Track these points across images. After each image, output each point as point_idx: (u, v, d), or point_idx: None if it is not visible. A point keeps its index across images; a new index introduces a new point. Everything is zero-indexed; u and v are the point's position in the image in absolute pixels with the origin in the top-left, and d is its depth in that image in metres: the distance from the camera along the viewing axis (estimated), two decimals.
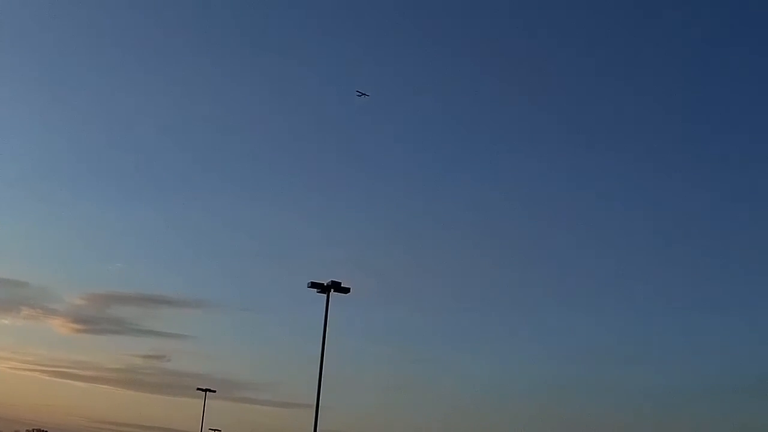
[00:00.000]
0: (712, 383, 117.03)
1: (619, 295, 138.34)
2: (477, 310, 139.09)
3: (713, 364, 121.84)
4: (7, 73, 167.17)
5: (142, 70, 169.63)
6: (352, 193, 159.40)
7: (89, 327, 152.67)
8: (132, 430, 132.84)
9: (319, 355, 46.59)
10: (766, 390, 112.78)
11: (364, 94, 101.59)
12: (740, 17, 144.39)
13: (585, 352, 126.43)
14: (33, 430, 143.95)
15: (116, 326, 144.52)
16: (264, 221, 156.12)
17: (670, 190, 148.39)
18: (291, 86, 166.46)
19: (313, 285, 47.14)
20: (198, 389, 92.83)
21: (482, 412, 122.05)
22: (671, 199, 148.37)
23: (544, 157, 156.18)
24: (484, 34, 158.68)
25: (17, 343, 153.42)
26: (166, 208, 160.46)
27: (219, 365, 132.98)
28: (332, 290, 46.61)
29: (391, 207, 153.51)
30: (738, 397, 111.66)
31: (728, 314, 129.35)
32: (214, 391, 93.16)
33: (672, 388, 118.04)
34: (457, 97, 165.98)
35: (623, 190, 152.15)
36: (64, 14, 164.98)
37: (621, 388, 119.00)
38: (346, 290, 46.75)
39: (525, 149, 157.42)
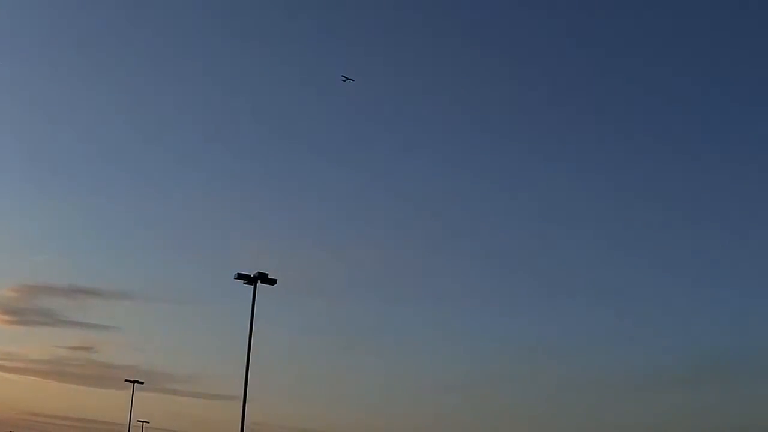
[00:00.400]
0: (628, 375, 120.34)
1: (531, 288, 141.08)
2: (404, 303, 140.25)
3: (632, 355, 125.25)
4: None
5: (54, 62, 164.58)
6: (278, 184, 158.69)
7: (17, 318, 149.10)
8: (60, 422, 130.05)
9: (246, 347, 46.43)
10: (687, 380, 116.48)
11: (349, 79, 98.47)
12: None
13: (505, 347, 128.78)
14: None
15: (45, 318, 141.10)
16: (192, 213, 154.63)
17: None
18: (221, 75, 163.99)
19: (240, 276, 46.75)
20: (126, 381, 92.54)
21: (406, 405, 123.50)
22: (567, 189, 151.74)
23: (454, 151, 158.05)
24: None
25: None
26: (94, 200, 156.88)
27: (147, 357, 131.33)
28: (259, 281, 46.31)
29: (316, 198, 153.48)
30: (656, 387, 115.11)
31: (638, 306, 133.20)
32: (142, 383, 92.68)
33: (590, 380, 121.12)
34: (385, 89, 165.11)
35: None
36: None
37: (539, 381, 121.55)
38: (273, 282, 46.51)
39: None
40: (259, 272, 46.25)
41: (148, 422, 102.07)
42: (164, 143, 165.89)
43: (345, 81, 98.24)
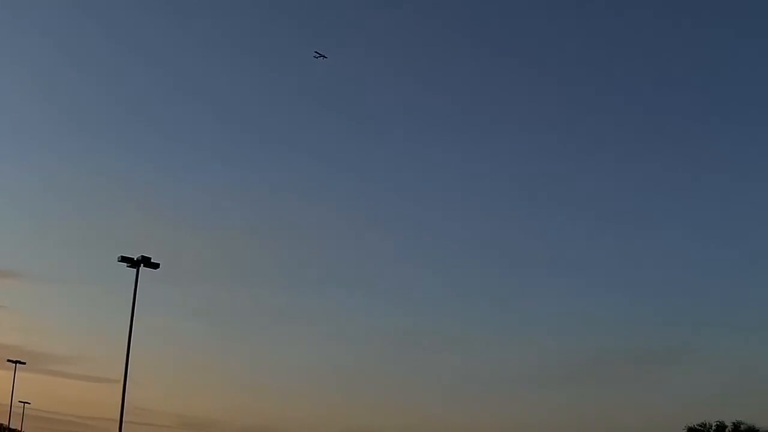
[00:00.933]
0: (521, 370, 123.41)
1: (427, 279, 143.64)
2: (286, 290, 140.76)
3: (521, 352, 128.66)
4: None
5: None
6: (164, 168, 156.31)
7: None
8: None
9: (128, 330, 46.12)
10: (586, 374, 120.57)
11: (322, 56, 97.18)
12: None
13: (393, 337, 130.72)
14: None
15: None
16: (78, 194, 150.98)
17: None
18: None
19: (124, 259, 46.28)
20: (8, 361, 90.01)
21: (285, 391, 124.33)
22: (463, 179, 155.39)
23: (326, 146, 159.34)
24: None
25: None
26: None
27: (30, 337, 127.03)
28: (142, 265, 45.97)
29: (200, 186, 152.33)
30: (545, 384, 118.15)
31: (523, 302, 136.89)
32: (24, 363, 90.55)
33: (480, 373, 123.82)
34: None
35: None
36: None
37: (432, 373, 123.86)
38: (156, 266, 46.26)
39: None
40: (142, 256, 45.94)
41: (29, 403, 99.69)
42: (54, 122, 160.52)
43: (318, 58, 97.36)
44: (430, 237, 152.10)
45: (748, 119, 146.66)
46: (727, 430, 71.33)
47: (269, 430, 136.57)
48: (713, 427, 72.02)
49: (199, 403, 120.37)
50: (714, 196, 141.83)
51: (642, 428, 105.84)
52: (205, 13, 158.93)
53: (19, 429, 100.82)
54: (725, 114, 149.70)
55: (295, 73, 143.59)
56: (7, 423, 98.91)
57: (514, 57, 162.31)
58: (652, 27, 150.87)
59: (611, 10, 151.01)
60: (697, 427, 72.76)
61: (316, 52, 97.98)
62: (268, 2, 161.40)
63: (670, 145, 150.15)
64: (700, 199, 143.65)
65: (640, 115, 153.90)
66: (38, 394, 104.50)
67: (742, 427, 71.02)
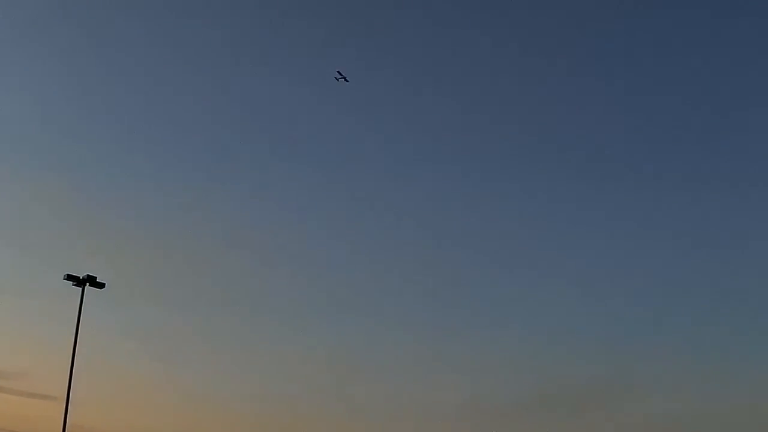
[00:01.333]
0: None
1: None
2: (234, 312, 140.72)
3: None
4: None
5: None
6: (113, 187, 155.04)
7: None
8: None
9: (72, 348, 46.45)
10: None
11: (344, 78, 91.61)
12: None
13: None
14: None
15: None
16: (27, 205, 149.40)
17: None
18: None
19: (69, 277, 46.73)
20: None
21: (221, 414, 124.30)
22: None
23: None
24: None
25: None
26: None
27: None
28: (87, 284, 46.47)
29: (150, 205, 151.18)
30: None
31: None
32: None
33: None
34: None
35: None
36: None
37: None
38: (101, 285, 46.80)
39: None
40: (88, 275, 46.45)
41: None
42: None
43: (339, 80, 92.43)
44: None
45: None
46: None
47: None
48: None
49: (139, 422, 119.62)
50: None
51: None
52: None
53: None
54: None
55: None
56: None
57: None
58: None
59: None
60: None
61: (338, 72, 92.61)
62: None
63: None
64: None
65: None
66: None
67: None
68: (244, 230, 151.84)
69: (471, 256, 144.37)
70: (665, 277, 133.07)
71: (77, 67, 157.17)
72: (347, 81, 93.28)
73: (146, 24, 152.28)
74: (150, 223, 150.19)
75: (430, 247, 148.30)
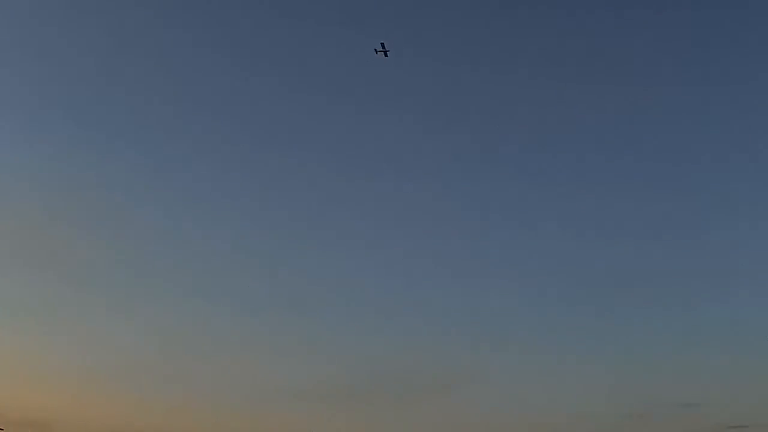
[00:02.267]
0: None
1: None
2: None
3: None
4: None
5: None
6: None
7: None
8: None
9: None
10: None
11: (385, 51, 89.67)
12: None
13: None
14: None
15: None
16: None
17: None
18: None
19: None
20: None
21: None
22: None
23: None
24: None
25: None
26: None
27: None
28: None
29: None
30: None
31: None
32: None
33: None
34: None
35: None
36: None
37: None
38: None
39: None
40: None
41: None
42: None
43: (379, 53, 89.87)
44: None
45: None
46: None
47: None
48: None
49: None
50: None
51: None
52: None
53: None
54: None
55: None
56: None
57: None
58: None
59: None
60: None
61: (382, 43, 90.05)
62: None
63: None
64: None
65: None
66: None
67: None
68: None
69: None
70: None
71: None
72: (386, 56, 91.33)
73: None
74: None
75: None
